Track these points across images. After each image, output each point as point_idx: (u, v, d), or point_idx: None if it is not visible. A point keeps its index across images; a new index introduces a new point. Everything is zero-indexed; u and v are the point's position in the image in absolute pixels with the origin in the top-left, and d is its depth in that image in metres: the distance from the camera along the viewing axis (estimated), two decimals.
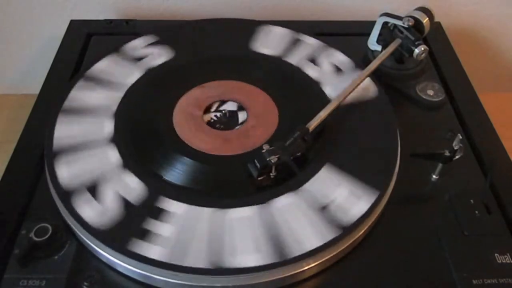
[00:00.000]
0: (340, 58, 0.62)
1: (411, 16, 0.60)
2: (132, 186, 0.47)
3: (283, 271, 0.43)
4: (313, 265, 0.44)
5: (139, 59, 0.60)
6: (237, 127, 0.54)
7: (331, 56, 0.62)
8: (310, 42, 0.64)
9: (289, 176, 0.49)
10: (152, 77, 0.59)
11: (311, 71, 0.60)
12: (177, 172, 0.49)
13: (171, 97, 0.57)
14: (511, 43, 0.84)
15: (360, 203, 0.47)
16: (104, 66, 0.59)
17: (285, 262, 0.42)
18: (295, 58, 0.61)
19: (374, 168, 0.50)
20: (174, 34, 0.65)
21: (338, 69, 0.60)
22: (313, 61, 0.61)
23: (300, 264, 0.43)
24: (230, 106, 0.56)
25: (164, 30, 0.65)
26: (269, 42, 0.63)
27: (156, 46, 0.62)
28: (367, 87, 0.58)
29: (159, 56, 0.61)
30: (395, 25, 0.61)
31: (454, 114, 0.59)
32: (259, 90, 0.58)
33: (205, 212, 0.46)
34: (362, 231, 0.46)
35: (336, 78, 0.59)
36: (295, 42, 0.64)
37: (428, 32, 0.61)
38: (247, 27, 0.65)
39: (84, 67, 0.60)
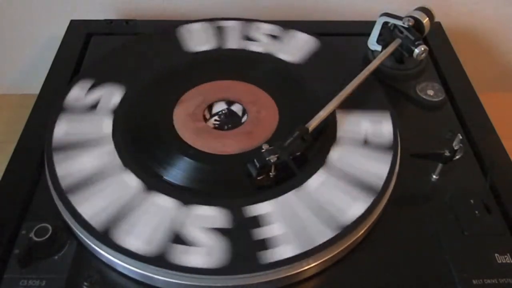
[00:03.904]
0: (265, 27, 0.66)
1: (411, 16, 0.60)
2: (211, 214, 0.46)
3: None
4: (313, 265, 0.44)
5: (94, 106, 0.55)
6: (236, 127, 0.54)
7: (258, 29, 0.66)
8: (230, 25, 0.66)
9: (288, 175, 0.49)
10: (151, 78, 0.58)
11: (255, 47, 0.63)
12: (176, 172, 0.49)
13: (172, 96, 0.56)
14: (511, 43, 0.84)
15: (384, 126, 0.53)
16: (66, 130, 0.53)
17: (382, 195, 0.47)
18: (234, 43, 0.63)
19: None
20: (105, 69, 0.60)
21: (274, 37, 0.64)
22: (248, 39, 0.64)
23: (300, 263, 0.43)
24: (231, 106, 0.57)
25: (93, 70, 0.60)
26: (199, 39, 0.64)
27: (97, 88, 0.57)
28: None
29: (111, 95, 0.56)
30: (395, 25, 0.61)
31: (454, 114, 0.59)
32: (260, 90, 0.58)
33: (290, 196, 0.47)
34: (362, 231, 0.46)
35: (280, 44, 0.63)
36: (220, 30, 0.65)
37: (428, 32, 0.61)
38: (168, 34, 0.65)
39: (46, 139, 0.52)
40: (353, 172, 0.49)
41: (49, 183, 0.48)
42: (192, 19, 0.68)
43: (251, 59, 0.62)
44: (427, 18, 0.60)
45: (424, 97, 0.60)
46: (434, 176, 0.52)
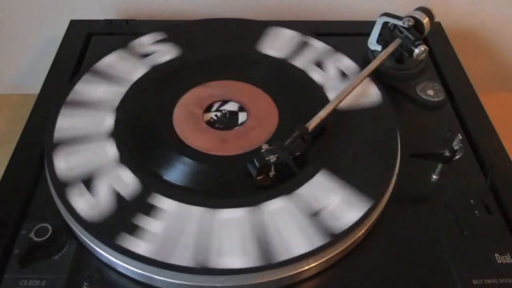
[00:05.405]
0: (346, 63, 0.61)
1: (411, 16, 0.60)
2: (127, 181, 0.48)
3: (273, 274, 0.42)
4: (313, 265, 0.44)
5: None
6: (236, 127, 0.54)
7: (338, 61, 0.62)
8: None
9: (288, 176, 0.49)
10: (155, 74, 0.59)
11: (316, 75, 0.60)
12: (174, 171, 0.49)
13: (172, 94, 0.57)
14: (511, 43, 0.84)
15: (352, 211, 0.46)
16: (110, 61, 0.60)
17: (270, 266, 0.42)
18: (301, 61, 0.61)
19: (372, 173, 0.50)
20: (183, 32, 0.65)
21: (343, 74, 0.60)
22: (319, 65, 0.61)
23: (294, 266, 0.43)
24: (230, 106, 0.57)
25: (172, 28, 0.65)
26: (277, 44, 0.63)
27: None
28: (367, 87, 0.58)
29: (165, 53, 0.61)
30: (395, 25, 0.61)
31: (454, 114, 0.59)
32: (260, 90, 0.58)
33: (195, 211, 0.46)
34: (362, 231, 0.46)
35: (340, 82, 0.59)
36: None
37: (428, 32, 0.61)
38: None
39: (89, 62, 0.60)
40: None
41: (49, 183, 0.48)
42: (192, 19, 0.68)
43: (250, 60, 0.62)
44: (427, 18, 0.60)
45: (424, 97, 0.60)
46: (434, 176, 0.52)
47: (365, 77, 0.56)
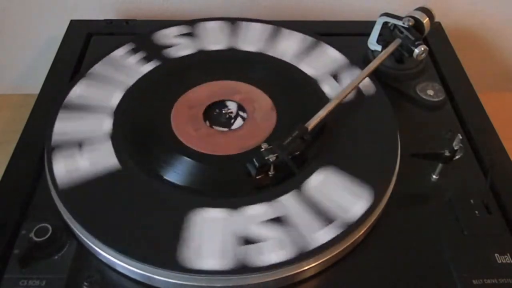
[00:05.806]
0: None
1: (411, 16, 0.60)
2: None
3: (273, 274, 0.42)
4: (313, 265, 0.44)
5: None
6: (236, 127, 0.54)
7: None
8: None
9: (287, 175, 0.49)
10: (153, 75, 0.59)
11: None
12: (173, 171, 0.49)
13: (170, 96, 0.57)
14: (511, 43, 0.84)
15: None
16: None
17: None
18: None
19: (372, 173, 0.50)
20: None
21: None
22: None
23: (294, 266, 0.43)
24: (229, 106, 0.57)
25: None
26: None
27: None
28: (367, 87, 0.58)
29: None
30: (395, 25, 0.61)
31: (454, 114, 0.59)
32: (258, 90, 0.58)
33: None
34: (362, 231, 0.46)
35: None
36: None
37: (428, 32, 0.61)
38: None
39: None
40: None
41: (49, 183, 0.48)
42: (192, 19, 0.68)
43: (249, 60, 0.62)
44: (427, 18, 0.60)
45: (424, 97, 0.60)
46: (434, 176, 0.52)
47: (365, 77, 0.56)
